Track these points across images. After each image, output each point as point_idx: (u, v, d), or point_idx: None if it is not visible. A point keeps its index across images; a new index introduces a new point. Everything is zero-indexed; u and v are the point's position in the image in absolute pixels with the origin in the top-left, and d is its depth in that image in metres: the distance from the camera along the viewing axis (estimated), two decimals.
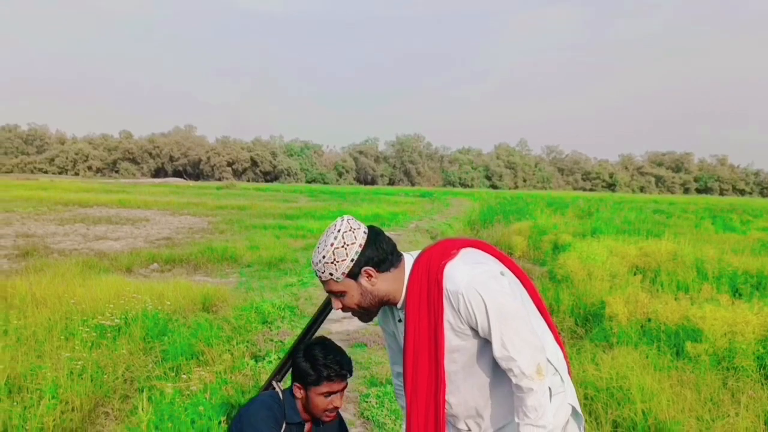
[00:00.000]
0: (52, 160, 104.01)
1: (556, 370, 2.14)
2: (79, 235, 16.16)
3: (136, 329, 5.89)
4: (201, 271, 11.08)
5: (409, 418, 2.11)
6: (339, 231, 2.04)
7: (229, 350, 5.62)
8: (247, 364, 5.29)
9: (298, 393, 2.50)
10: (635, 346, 5.59)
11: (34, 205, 25.23)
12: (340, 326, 7.32)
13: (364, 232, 2.07)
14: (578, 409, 2.21)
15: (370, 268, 2.05)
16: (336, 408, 2.50)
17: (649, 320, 6.36)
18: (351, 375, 2.54)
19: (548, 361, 2.09)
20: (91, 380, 4.61)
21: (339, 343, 6.86)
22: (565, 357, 2.26)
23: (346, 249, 2.02)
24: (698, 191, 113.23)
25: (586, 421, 3.95)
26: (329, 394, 2.46)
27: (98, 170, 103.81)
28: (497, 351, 1.98)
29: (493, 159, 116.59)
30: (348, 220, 2.08)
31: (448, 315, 2.01)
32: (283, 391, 2.57)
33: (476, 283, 1.97)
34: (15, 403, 4.16)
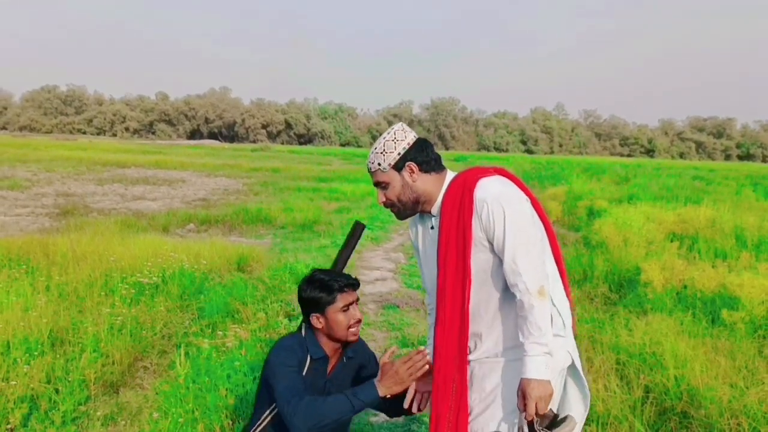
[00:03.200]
0: (90, 120, 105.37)
1: (560, 315, 2.24)
2: (118, 195, 16.48)
3: (174, 287, 6.03)
4: (236, 231, 11.23)
5: (438, 314, 2.25)
6: (393, 130, 2.35)
7: (263, 309, 5.72)
8: (281, 323, 5.38)
9: (318, 322, 2.48)
10: (670, 313, 5.52)
11: (74, 165, 25.74)
12: (373, 288, 7.38)
13: (415, 137, 2.36)
14: (578, 365, 2.28)
15: (413, 164, 2.30)
16: (359, 321, 2.51)
17: (685, 287, 6.26)
18: (358, 285, 2.60)
19: (552, 303, 2.20)
20: (131, 335, 4.75)
21: (372, 305, 6.88)
22: (572, 311, 2.36)
23: (395, 143, 2.31)
24: (740, 158, 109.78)
25: (617, 386, 3.95)
26: (346, 307, 2.47)
27: (135, 131, 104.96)
28: (506, 264, 2.14)
29: (528, 123, 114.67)
30: (403, 125, 2.38)
31: (473, 220, 2.18)
32: (306, 329, 2.56)
33: (503, 198, 2.16)
34: (58, 356, 4.31)
